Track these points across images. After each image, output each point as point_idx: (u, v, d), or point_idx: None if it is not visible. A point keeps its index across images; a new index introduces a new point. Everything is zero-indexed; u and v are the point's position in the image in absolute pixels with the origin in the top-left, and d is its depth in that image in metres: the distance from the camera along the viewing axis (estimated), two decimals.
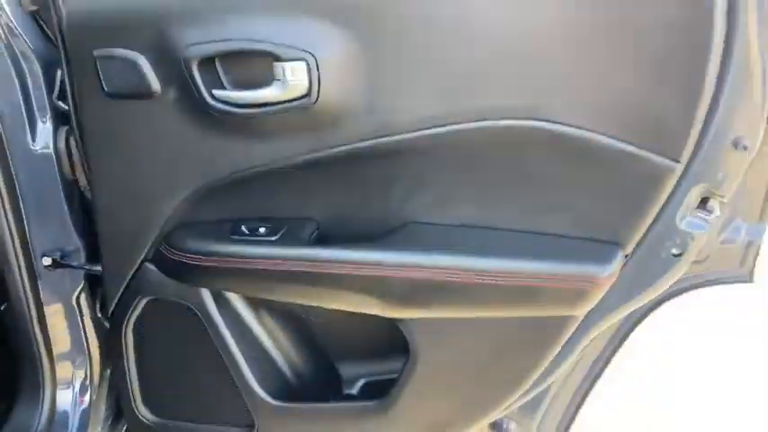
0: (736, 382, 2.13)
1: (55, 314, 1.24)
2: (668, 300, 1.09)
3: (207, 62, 0.91)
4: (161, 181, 1.03)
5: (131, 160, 1.03)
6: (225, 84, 0.93)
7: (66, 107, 1.10)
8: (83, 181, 1.18)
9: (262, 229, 1.01)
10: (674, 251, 0.92)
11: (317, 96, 0.88)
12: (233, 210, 1.03)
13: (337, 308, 1.02)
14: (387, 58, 0.87)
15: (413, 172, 0.95)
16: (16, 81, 1.12)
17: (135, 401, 1.20)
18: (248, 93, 0.91)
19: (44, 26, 1.17)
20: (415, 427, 1.07)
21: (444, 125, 0.88)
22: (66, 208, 1.18)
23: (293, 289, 1.01)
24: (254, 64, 0.90)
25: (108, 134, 1.03)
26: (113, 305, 1.14)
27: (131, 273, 1.10)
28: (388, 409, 1.06)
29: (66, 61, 1.02)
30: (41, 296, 1.23)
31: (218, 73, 0.92)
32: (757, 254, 1.05)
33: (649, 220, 0.88)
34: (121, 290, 1.12)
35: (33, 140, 1.16)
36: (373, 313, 0.99)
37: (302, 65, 0.87)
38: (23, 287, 1.22)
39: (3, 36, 1.09)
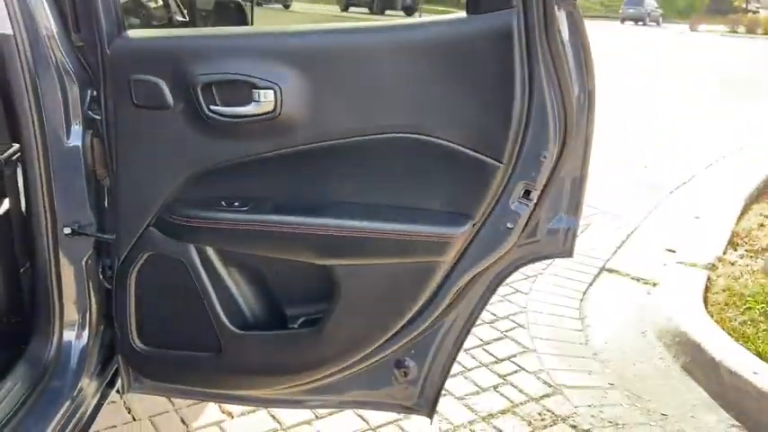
0: None
1: (68, 272, 1.62)
2: (520, 267, 1.58)
3: (207, 86, 1.40)
4: (166, 167, 1.49)
5: (147, 152, 1.49)
6: (218, 102, 1.42)
7: (96, 116, 1.55)
8: (100, 171, 1.62)
9: (236, 203, 1.47)
10: (509, 225, 1.42)
11: (280, 112, 1.38)
12: (216, 190, 1.50)
13: (284, 257, 1.49)
14: (323, 90, 1.38)
15: (340, 166, 1.44)
16: (60, 95, 1.56)
17: (132, 335, 1.62)
18: (234, 108, 1.40)
19: (81, 57, 1.63)
20: (336, 346, 1.53)
21: (358, 135, 1.38)
22: (85, 191, 1.61)
23: (255, 243, 1.48)
24: (239, 89, 1.39)
25: (133, 134, 1.49)
26: (121, 261, 1.57)
27: (138, 235, 1.54)
28: (319, 333, 1.51)
29: (105, 82, 1.48)
30: (60, 257, 1.65)
31: (213, 94, 1.41)
32: (574, 236, 1.55)
33: (488, 199, 1.38)
34: (128, 248, 1.55)
35: (67, 138, 1.59)
36: (308, 261, 1.46)
37: (271, 92, 1.36)
38: (48, 249, 1.63)
39: (54, 61, 1.54)
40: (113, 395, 1.80)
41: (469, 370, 2.64)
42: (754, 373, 2.46)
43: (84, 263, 1.64)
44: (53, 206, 1.59)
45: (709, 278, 3.32)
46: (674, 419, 2.42)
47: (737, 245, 3.84)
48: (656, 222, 4.53)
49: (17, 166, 1.68)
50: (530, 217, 1.43)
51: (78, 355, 1.68)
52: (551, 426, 2.34)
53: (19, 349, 1.69)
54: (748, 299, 3.07)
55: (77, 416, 1.60)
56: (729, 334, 2.74)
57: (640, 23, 38.95)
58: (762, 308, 2.99)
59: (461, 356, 2.36)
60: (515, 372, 2.66)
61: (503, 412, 2.40)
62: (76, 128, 1.58)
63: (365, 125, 1.38)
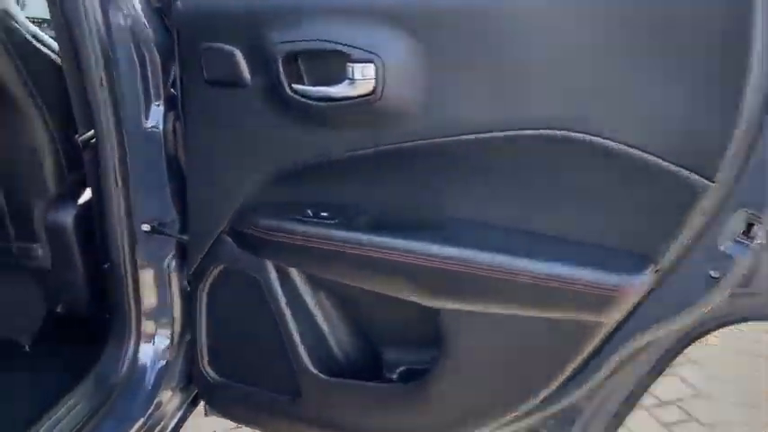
0: None
1: (147, 276, 1.38)
2: (720, 327, 1.09)
3: (290, 59, 1.04)
4: (242, 162, 1.16)
5: (220, 141, 1.17)
6: (304, 79, 1.05)
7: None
8: (184, 160, 1.34)
9: (324, 213, 1.11)
10: (714, 273, 0.93)
11: (381, 95, 0.98)
12: (300, 194, 1.15)
13: (381, 291, 1.10)
14: (445, 65, 0.96)
15: (462, 172, 1.02)
16: (138, 67, 1.29)
17: (202, 360, 1.34)
18: (322, 88, 1.02)
19: (166, 21, 1.34)
20: (443, 415, 1.13)
21: (493, 131, 0.95)
22: (166, 182, 1.34)
23: (345, 269, 1.11)
24: (329, 63, 1.01)
25: (204, 117, 1.17)
26: (192, 271, 1.28)
27: (210, 242, 1.23)
28: (419, 394, 1.12)
29: (179, 52, 1.18)
30: (137, 259, 1.40)
31: (299, 69, 1.05)
32: None
33: (683, 237, 0.90)
34: (200, 258, 1.26)
35: (146, 119, 1.32)
36: (412, 299, 1.07)
37: (370, 66, 0.97)
38: (123, 249, 1.39)
39: (128, 26, 1.26)
40: None
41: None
42: None
43: (165, 266, 1.39)
44: (128, 199, 1.33)
45: None
46: None
47: None
48: None
49: None
50: (751, 264, 0.93)
51: (156, 368, 1.44)
52: None
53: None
54: None
55: None
56: None
57: None
58: None
59: None
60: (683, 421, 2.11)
61: None
62: (157, 107, 1.30)
63: (506, 116, 0.94)
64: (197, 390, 1.42)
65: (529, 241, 0.98)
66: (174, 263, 1.39)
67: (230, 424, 1.63)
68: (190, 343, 1.44)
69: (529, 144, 0.94)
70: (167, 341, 1.46)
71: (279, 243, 1.14)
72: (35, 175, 1.45)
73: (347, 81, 1.00)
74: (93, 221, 1.49)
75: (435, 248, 1.02)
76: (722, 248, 0.92)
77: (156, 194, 1.34)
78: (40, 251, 1.53)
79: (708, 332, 1.10)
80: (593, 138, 0.90)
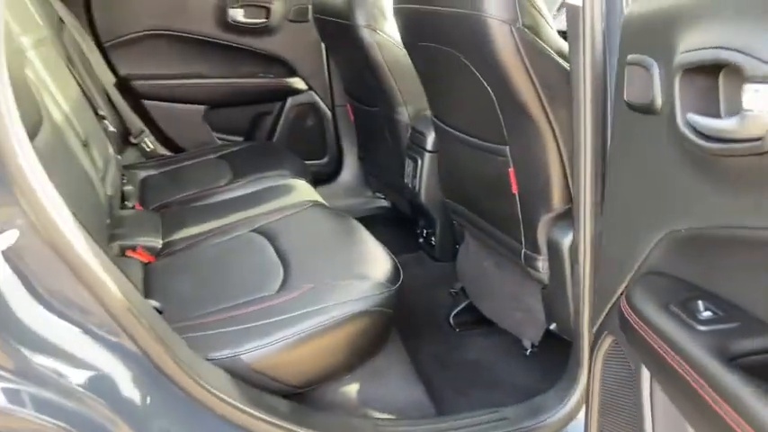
0: None
1: None
2: None
3: (689, 75, 0.71)
4: (645, 212, 0.87)
5: (629, 181, 0.91)
6: (720, 107, 0.70)
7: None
8: None
9: (707, 312, 0.73)
10: None
11: None
12: (697, 274, 0.78)
13: None
14: None
15: None
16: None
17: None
18: (712, 122, 0.66)
19: None
20: None
21: None
22: None
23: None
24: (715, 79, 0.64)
25: (619, 149, 0.94)
26: (594, 329, 1.06)
27: (609, 304, 0.99)
28: None
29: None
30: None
31: (698, 91, 0.71)
32: None
33: None
34: (601, 318, 1.03)
35: None
36: None
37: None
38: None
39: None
40: None
41: None
42: None
43: None
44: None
45: None
46: None
47: None
48: None
49: None
50: None
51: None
52: None
53: None
54: None
55: None
56: None
57: None
58: None
59: None
60: None
61: None
62: None
63: None
64: None
65: None
66: None
67: None
68: None
69: None
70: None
71: (649, 343, 0.81)
72: (545, 190, 1.46)
73: (742, 114, 0.62)
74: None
75: None
76: None
77: None
78: (542, 264, 1.54)
79: None
80: None
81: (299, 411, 1.25)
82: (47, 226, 0.91)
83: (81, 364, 0.94)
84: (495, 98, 1.44)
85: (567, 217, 1.45)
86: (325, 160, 2.94)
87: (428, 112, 1.98)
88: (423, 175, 2.12)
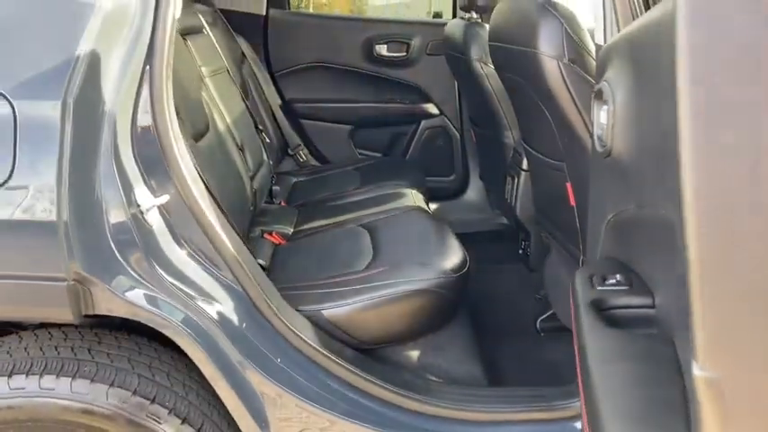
0: None
1: None
2: None
3: (594, 99, 0.96)
4: (599, 210, 1.11)
5: (595, 187, 1.15)
6: None
7: None
8: None
9: (611, 281, 0.96)
10: None
11: None
12: (623, 253, 1.01)
13: None
14: None
15: None
16: None
17: None
18: (596, 131, 0.92)
19: None
20: None
21: None
22: None
23: None
24: None
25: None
26: None
27: None
28: None
29: None
30: None
31: None
32: None
33: None
34: None
35: None
36: None
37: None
38: None
39: None
40: None
41: None
42: None
43: None
44: None
45: None
46: None
47: None
48: None
49: None
50: None
51: None
52: None
53: None
54: None
55: None
56: None
57: None
58: None
59: None
60: None
61: None
62: None
63: None
64: None
65: None
66: None
67: None
68: None
69: None
70: None
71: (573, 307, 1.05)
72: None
73: None
74: None
75: None
76: None
77: None
78: None
79: None
80: None
81: (360, 359, 1.59)
82: (188, 195, 1.36)
83: (200, 290, 1.37)
84: (551, 120, 1.69)
85: None
86: (452, 177, 3.28)
87: None
88: (518, 192, 2.38)
